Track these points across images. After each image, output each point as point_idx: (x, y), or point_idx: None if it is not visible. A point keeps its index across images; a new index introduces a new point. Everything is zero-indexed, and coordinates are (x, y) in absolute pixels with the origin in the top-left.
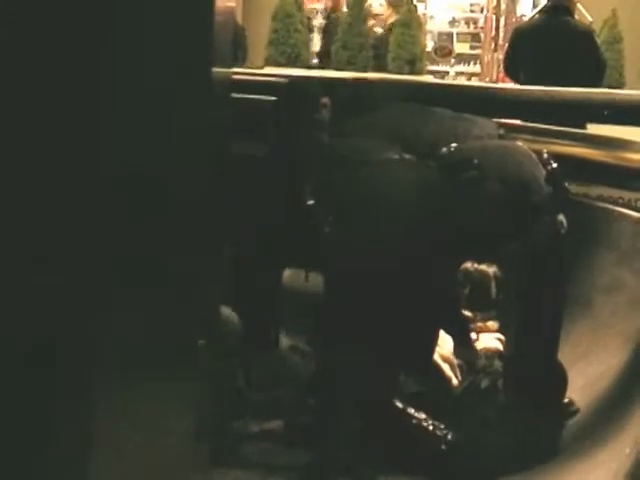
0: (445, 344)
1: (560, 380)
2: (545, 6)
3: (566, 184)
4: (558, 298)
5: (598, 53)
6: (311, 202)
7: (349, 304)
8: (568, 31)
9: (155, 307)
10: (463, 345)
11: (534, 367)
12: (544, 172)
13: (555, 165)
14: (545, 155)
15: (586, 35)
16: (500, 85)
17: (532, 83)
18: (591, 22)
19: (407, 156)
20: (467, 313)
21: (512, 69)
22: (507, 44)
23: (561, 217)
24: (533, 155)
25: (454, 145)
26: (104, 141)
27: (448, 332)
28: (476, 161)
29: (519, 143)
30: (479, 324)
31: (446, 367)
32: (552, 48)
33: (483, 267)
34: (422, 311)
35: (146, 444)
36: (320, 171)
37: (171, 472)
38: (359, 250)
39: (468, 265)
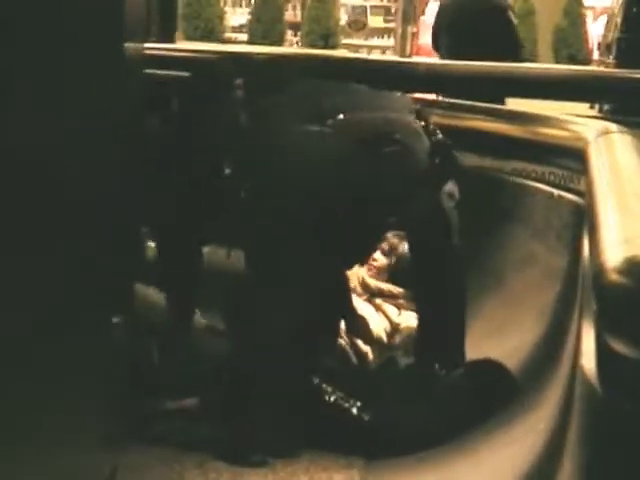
0: (363, 320)
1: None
2: None
3: (456, 154)
4: (450, 270)
5: (513, 30)
6: (228, 173)
7: (263, 280)
8: (483, 7)
9: (67, 285)
10: (379, 322)
11: (441, 343)
12: (428, 145)
13: (441, 137)
14: (431, 127)
15: (501, 11)
16: (414, 59)
17: (452, 58)
18: None
19: (319, 128)
20: (393, 288)
21: (436, 43)
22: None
23: (450, 188)
24: (416, 126)
25: (339, 115)
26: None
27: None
28: (356, 131)
29: (405, 116)
30: (401, 301)
31: (362, 343)
32: (468, 24)
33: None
34: (334, 286)
35: (59, 422)
36: (237, 144)
37: (85, 448)
38: (274, 221)
39: (395, 240)
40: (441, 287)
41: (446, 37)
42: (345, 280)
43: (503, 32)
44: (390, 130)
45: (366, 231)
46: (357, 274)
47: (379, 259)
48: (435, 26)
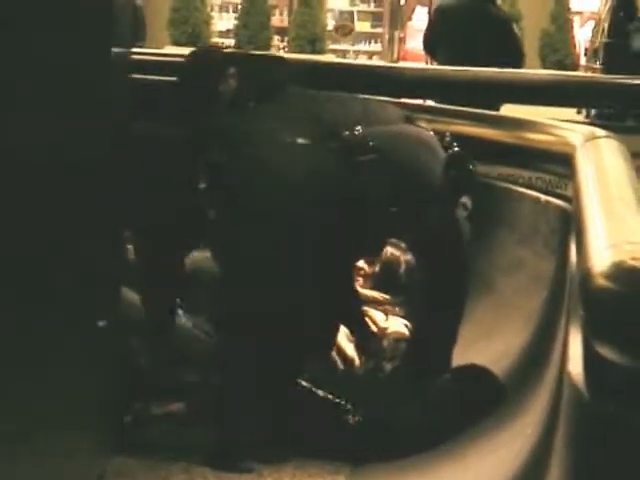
0: (375, 335)
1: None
2: None
3: (471, 167)
4: (455, 283)
5: (518, 44)
6: (203, 185)
7: (244, 287)
8: (490, 17)
9: (53, 289)
10: (366, 327)
11: (433, 349)
12: (443, 157)
13: (457, 149)
14: (447, 138)
15: (506, 24)
16: (402, 64)
17: (449, 63)
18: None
19: (306, 139)
20: (378, 295)
21: (431, 47)
22: (428, 21)
23: (464, 200)
24: (433, 140)
25: (355, 129)
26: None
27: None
28: (373, 145)
29: (422, 128)
30: (388, 307)
31: (350, 348)
32: (474, 32)
33: (395, 251)
34: (321, 296)
35: (45, 428)
36: (215, 153)
37: (72, 454)
38: (251, 235)
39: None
40: (444, 296)
41: (446, 44)
42: (350, 291)
43: (508, 44)
44: (403, 144)
45: (366, 242)
46: None
47: (364, 266)
48: (430, 31)
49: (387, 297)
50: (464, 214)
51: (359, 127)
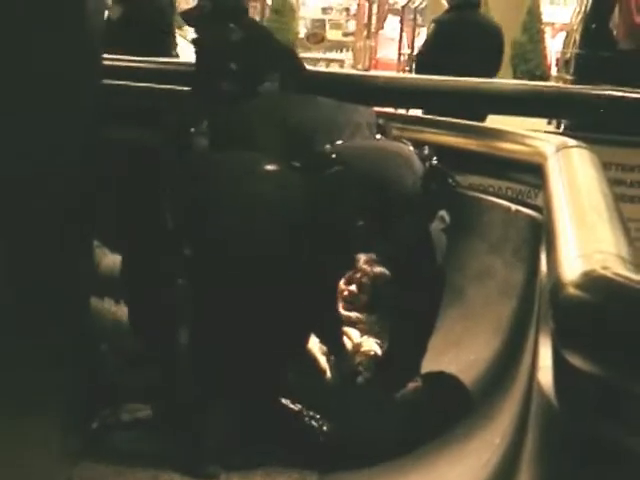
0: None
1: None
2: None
3: (450, 180)
4: (429, 298)
5: (502, 50)
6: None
7: (218, 306)
8: (482, 26)
9: (20, 296)
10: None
11: (404, 363)
12: (419, 171)
13: (435, 162)
14: (426, 152)
15: (498, 32)
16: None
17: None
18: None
19: (273, 164)
20: (353, 315)
21: (429, 60)
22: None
23: (442, 213)
24: (408, 154)
25: (325, 147)
26: None
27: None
28: (339, 161)
29: (397, 142)
30: (363, 327)
31: (323, 360)
32: (468, 42)
33: (370, 268)
34: (294, 312)
35: (11, 433)
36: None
37: (39, 460)
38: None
39: (360, 265)
40: (417, 311)
41: (446, 57)
42: (326, 309)
43: (497, 53)
44: (376, 159)
45: (336, 259)
46: None
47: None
48: (429, 45)
49: (362, 317)
50: (441, 226)
51: (328, 141)
